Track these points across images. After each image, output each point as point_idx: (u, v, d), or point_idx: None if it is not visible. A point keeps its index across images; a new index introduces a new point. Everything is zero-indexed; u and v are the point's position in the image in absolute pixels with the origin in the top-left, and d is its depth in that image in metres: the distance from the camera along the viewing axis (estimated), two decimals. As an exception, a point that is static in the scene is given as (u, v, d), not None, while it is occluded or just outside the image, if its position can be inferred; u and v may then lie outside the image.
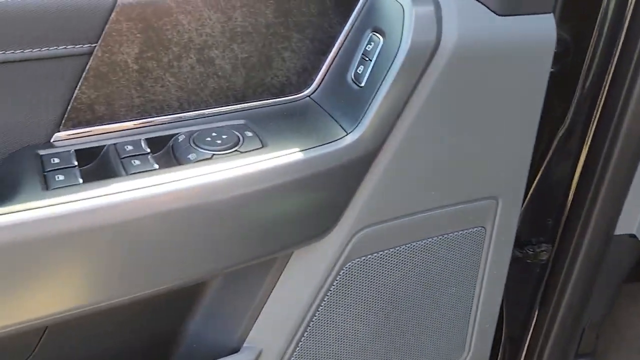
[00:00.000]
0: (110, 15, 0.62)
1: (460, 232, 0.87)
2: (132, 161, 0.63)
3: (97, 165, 0.65)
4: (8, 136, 0.63)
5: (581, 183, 1.01)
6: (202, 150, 0.66)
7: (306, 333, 0.81)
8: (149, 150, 0.65)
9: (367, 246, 0.79)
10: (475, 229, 0.88)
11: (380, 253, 0.81)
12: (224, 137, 0.68)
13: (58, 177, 0.59)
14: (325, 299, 0.80)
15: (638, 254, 1.18)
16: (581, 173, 1.00)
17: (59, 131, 0.65)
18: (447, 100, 0.74)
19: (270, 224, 0.68)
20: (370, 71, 0.71)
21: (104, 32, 0.63)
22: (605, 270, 1.14)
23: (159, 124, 0.70)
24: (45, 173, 0.60)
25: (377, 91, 0.69)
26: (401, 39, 0.68)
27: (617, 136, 0.93)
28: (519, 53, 0.75)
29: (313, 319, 0.81)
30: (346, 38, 0.77)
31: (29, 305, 0.58)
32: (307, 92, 0.79)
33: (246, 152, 0.66)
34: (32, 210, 0.54)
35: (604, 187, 0.98)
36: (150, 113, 0.70)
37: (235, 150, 0.66)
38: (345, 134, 0.70)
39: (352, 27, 0.77)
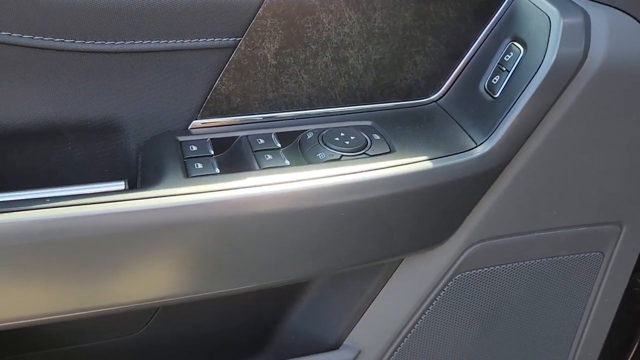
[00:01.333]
0: (258, 10, 0.63)
1: (575, 256, 0.83)
2: (265, 155, 0.64)
3: (230, 154, 0.66)
4: (151, 120, 0.66)
5: None
6: (330, 150, 0.66)
7: (406, 339, 0.81)
8: (279, 145, 0.66)
9: (478, 260, 0.77)
10: (593, 253, 0.83)
11: (491, 268, 0.79)
12: (352, 138, 0.68)
13: (197, 165, 0.61)
14: (430, 308, 0.79)
15: None
16: None
17: (196, 119, 0.68)
18: (585, 118, 0.70)
19: (388, 230, 0.68)
20: (507, 82, 0.69)
21: (249, 27, 0.64)
22: None
23: (287, 118, 0.71)
24: (185, 160, 0.62)
25: (514, 104, 0.67)
26: (545, 51, 0.65)
27: None
28: None
29: (415, 326, 0.80)
30: (481, 45, 0.75)
31: (153, 286, 0.61)
32: (434, 97, 0.77)
33: (374, 155, 0.66)
34: (175, 197, 0.57)
35: None
36: (280, 107, 0.71)
37: (364, 153, 0.66)
38: (475, 145, 0.68)
39: (488, 34, 0.74)
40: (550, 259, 0.82)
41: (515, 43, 0.70)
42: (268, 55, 0.67)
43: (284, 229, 0.61)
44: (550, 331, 0.90)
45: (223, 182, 0.59)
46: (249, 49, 0.66)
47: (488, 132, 0.68)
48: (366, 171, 0.63)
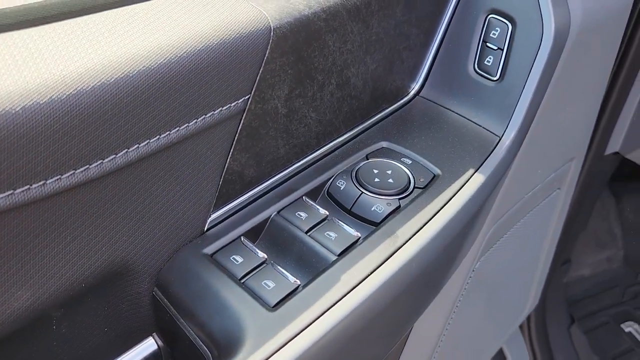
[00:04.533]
0: (265, 53, 0.46)
1: (546, 199, 0.86)
2: (326, 234, 0.50)
3: (271, 241, 0.50)
4: (161, 243, 0.46)
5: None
6: (382, 197, 0.54)
7: (440, 344, 0.77)
8: (324, 210, 0.53)
9: (488, 244, 0.75)
10: (556, 191, 0.88)
11: (495, 245, 0.78)
12: (388, 172, 0.57)
13: (267, 285, 0.45)
14: (457, 304, 0.76)
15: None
16: None
17: (209, 215, 0.49)
18: (567, 78, 0.70)
19: (445, 270, 0.61)
20: (505, 62, 0.64)
21: (258, 77, 0.47)
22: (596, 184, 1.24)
23: (300, 169, 0.57)
24: (244, 282, 0.45)
25: (525, 85, 0.63)
26: (542, 25, 0.61)
27: None
28: (608, 22, 0.73)
29: (445, 329, 0.77)
30: (449, 25, 0.67)
31: None
32: (414, 90, 0.69)
33: (426, 187, 0.57)
34: (286, 348, 0.41)
35: None
36: (291, 160, 0.56)
37: (416, 188, 0.56)
38: (498, 137, 0.63)
39: (453, 13, 0.67)
40: (531, 212, 0.84)
41: (497, 17, 0.65)
42: (278, 105, 0.50)
43: (397, 306, 0.50)
44: (526, 263, 0.95)
45: (324, 297, 0.45)
46: (259, 105, 0.48)
47: (505, 119, 0.64)
48: (440, 209, 0.54)
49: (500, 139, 0.63)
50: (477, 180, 0.58)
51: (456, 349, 0.84)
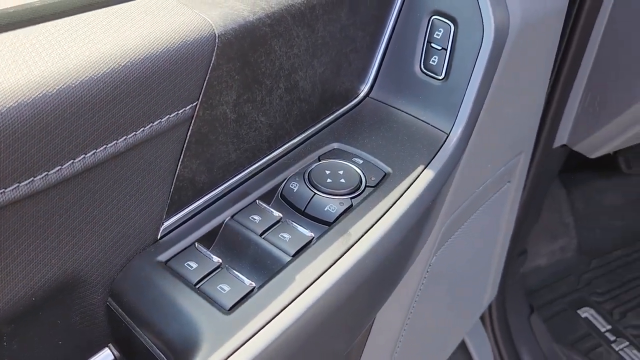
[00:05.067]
0: (211, 60, 0.47)
1: (497, 193, 0.89)
2: (280, 235, 0.51)
3: (225, 246, 0.51)
4: (113, 253, 0.45)
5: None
6: (334, 197, 0.56)
7: (401, 338, 0.79)
8: (278, 212, 0.53)
9: (443, 239, 0.78)
10: (506, 185, 0.91)
11: (450, 239, 0.80)
12: (340, 172, 0.58)
13: (222, 289, 0.46)
14: (414, 305, 0.78)
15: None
16: None
17: (162, 223, 0.49)
18: (510, 73, 0.72)
19: (401, 266, 0.63)
20: (449, 61, 0.66)
21: (205, 84, 0.47)
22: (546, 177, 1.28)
23: (253, 174, 0.57)
24: (200, 287, 0.46)
25: (469, 82, 0.65)
26: (483, 26, 0.64)
27: None
28: (547, 20, 0.76)
29: (406, 323, 0.78)
30: (394, 27, 0.69)
31: None
32: (363, 92, 0.70)
33: (377, 185, 0.58)
34: (243, 349, 0.42)
35: None
36: (244, 165, 0.56)
37: (367, 186, 0.58)
38: (446, 134, 0.65)
39: (398, 15, 0.69)
40: (483, 205, 0.86)
41: (440, 18, 0.67)
42: (227, 110, 0.51)
43: (353, 303, 0.51)
44: (480, 257, 0.98)
45: (275, 300, 0.45)
46: (207, 111, 0.49)
47: (452, 116, 0.66)
48: (392, 207, 0.55)
49: (448, 136, 0.65)
50: (427, 176, 0.60)
51: (419, 341, 0.86)
